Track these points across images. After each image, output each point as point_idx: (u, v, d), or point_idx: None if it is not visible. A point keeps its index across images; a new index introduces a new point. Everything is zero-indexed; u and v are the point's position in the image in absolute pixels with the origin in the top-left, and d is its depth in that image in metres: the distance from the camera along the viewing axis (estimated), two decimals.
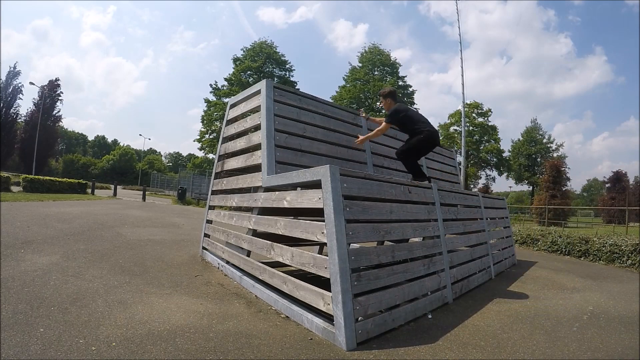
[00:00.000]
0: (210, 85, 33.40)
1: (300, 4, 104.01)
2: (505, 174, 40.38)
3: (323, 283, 2.64)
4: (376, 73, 34.90)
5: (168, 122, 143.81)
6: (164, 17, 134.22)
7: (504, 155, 39.63)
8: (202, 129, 33.16)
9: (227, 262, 4.07)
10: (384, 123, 4.13)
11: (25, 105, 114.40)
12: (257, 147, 3.79)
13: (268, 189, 3.51)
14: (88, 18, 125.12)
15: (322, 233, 2.62)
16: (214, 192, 4.82)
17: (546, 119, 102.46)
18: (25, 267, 3.42)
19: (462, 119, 21.21)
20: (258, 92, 3.93)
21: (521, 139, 42.74)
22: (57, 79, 40.03)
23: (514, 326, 3.00)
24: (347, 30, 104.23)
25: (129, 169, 62.28)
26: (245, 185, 4.00)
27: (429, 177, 6.03)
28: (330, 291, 2.50)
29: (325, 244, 2.59)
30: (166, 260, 4.38)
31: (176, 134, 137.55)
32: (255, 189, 3.82)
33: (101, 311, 2.58)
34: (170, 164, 79.29)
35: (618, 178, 31.65)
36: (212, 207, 4.88)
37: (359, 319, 2.48)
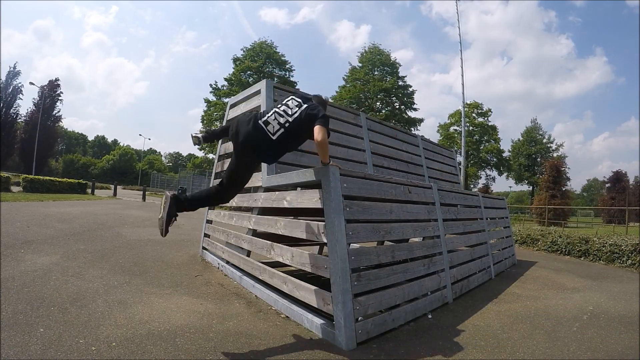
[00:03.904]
0: (210, 85, 33.37)
1: (303, 5, 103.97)
2: (505, 174, 40.38)
3: (323, 283, 2.64)
4: (376, 73, 34.85)
5: (168, 122, 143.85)
6: (166, 18, 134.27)
7: (504, 155, 39.61)
8: (202, 129, 33.12)
9: (227, 262, 4.07)
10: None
11: (25, 105, 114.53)
12: None
13: (268, 189, 3.51)
14: (90, 18, 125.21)
15: (322, 233, 2.62)
16: None
17: (546, 119, 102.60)
18: (25, 267, 3.41)
19: (462, 119, 21.22)
20: (258, 92, 3.93)
21: (521, 138, 42.70)
22: (57, 79, 40.00)
23: (514, 326, 3.00)
24: (349, 31, 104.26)
25: (129, 169, 62.25)
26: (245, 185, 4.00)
27: (429, 177, 6.06)
28: (330, 291, 2.50)
29: (325, 244, 2.60)
30: (166, 260, 4.38)
31: (176, 134, 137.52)
32: (255, 189, 3.82)
33: (101, 311, 2.58)
34: (170, 164, 79.22)
35: (618, 178, 31.61)
36: (212, 207, 4.88)
37: (359, 319, 2.48)
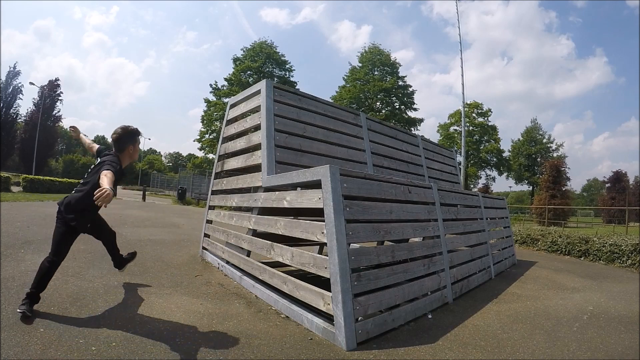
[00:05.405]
0: (210, 85, 33.41)
1: (304, 5, 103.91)
2: (505, 174, 40.41)
3: (323, 283, 2.64)
4: (376, 73, 34.87)
5: (168, 122, 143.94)
6: (166, 18, 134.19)
7: (504, 155, 39.66)
8: (202, 129, 33.16)
9: (227, 262, 4.06)
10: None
11: (25, 105, 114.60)
12: (257, 147, 3.79)
13: (268, 189, 3.51)
14: (91, 18, 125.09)
15: (322, 233, 2.62)
16: (214, 192, 4.82)
17: (547, 119, 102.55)
18: (25, 267, 3.41)
19: (462, 119, 21.22)
20: (258, 92, 3.93)
21: (521, 138, 42.72)
22: (57, 79, 40.00)
23: (514, 326, 3.00)
24: (350, 31, 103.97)
25: (129, 168, 62.06)
26: (245, 185, 4.00)
27: (429, 177, 6.06)
28: (330, 291, 2.50)
29: (325, 244, 2.59)
30: (166, 260, 4.38)
31: (176, 134, 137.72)
32: (255, 189, 3.82)
33: (101, 311, 2.58)
34: (170, 164, 79.19)
35: (618, 178, 31.62)
36: (212, 207, 4.88)
37: (359, 319, 2.48)
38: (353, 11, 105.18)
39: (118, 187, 20.31)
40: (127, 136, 2.85)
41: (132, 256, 3.46)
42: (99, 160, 2.80)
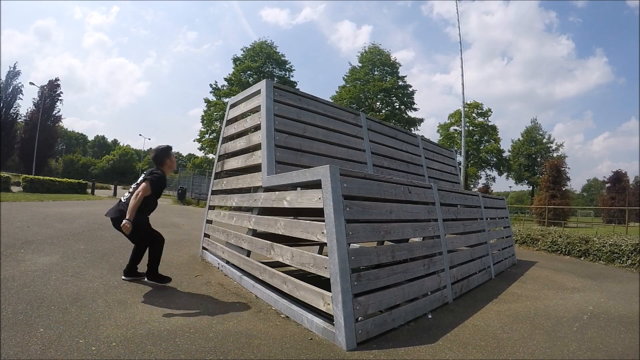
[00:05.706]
0: (210, 85, 33.40)
1: (305, 5, 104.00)
2: (505, 174, 40.43)
3: (323, 283, 2.64)
4: (376, 73, 34.88)
5: (168, 122, 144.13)
6: (167, 18, 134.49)
7: (504, 155, 39.67)
8: (202, 129, 33.15)
9: (227, 262, 4.07)
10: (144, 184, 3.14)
11: (25, 105, 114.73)
12: (257, 147, 3.79)
13: (268, 189, 3.51)
14: (91, 19, 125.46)
15: (322, 233, 2.62)
16: (214, 192, 4.82)
17: (547, 119, 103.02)
18: (25, 267, 3.42)
19: (462, 119, 21.24)
20: (258, 92, 3.93)
21: (521, 138, 42.74)
22: (57, 79, 40.06)
23: (514, 326, 3.00)
24: (350, 31, 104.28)
25: (129, 168, 62.30)
26: (245, 185, 4.00)
27: (429, 177, 6.06)
28: (330, 291, 2.50)
29: (325, 244, 2.59)
30: (166, 260, 4.37)
31: (176, 134, 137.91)
32: (255, 189, 3.82)
33: (101, 311, 2.58)
34: None
35: (618, 178, 31.63)
36: (212, 207, 4.88)
37: (359, 319, 2.48)
38: (353, 11, 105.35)
39: (119, 187, 20.36)
40: (162, 153, 3.46)
41: (143, 277, 3.48)
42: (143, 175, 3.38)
